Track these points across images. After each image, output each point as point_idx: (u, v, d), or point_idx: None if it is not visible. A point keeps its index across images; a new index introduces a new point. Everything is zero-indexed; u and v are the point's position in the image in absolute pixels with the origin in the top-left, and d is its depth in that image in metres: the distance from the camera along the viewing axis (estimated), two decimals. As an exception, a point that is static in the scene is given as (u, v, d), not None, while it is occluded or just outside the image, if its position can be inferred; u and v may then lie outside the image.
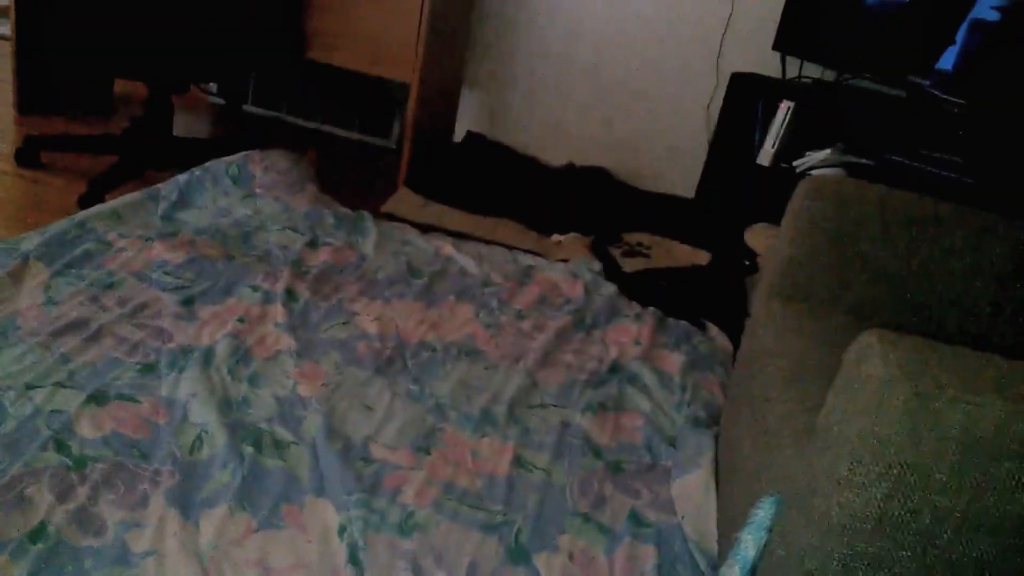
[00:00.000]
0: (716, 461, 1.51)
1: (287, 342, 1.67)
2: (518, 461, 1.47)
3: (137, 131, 2.49)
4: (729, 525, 1.24)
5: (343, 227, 2.25)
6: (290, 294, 1.85)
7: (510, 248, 2.37)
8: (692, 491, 1.45)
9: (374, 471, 1.37)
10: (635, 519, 1.38)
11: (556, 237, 2.53)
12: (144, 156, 2.44)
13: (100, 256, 1.83)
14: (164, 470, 1.28)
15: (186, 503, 1.23)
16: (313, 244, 2.12)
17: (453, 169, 2.89)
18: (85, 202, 2.15)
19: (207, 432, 1.37)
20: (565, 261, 2.35)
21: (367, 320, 1.83)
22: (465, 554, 1.24)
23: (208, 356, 1.57)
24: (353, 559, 1.18)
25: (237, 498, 1.25)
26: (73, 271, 1.75)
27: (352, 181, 2.82)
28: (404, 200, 2.59)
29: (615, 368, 1.82)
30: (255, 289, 1.84)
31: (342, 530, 1.23)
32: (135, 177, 2.33)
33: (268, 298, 1.82)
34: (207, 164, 2.34)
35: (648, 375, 1.81)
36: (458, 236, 2.39)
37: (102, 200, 2.13)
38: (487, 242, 2.38)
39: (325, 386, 1.56)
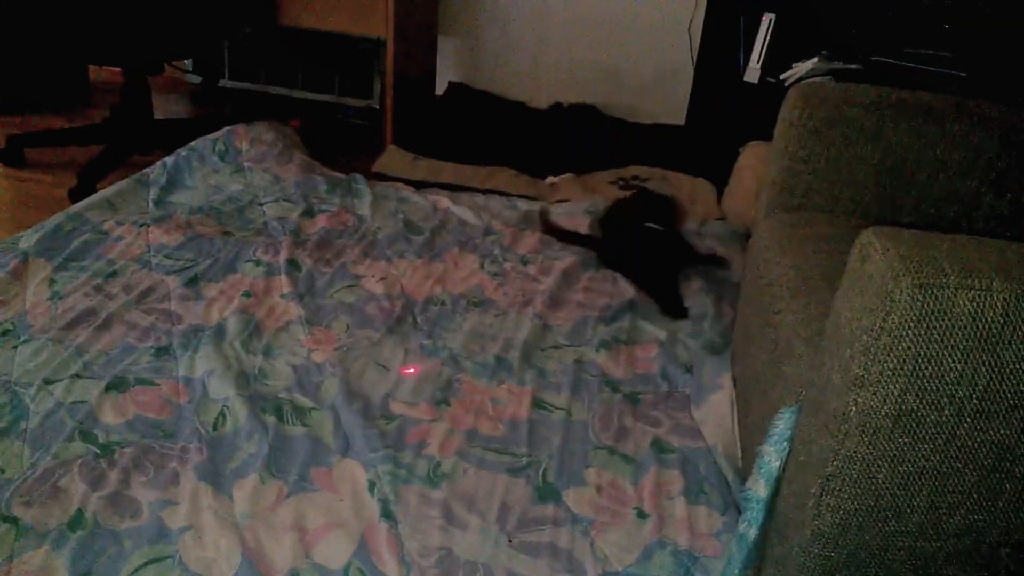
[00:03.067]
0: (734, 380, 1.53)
1: (296, 311, 1.68)
2: (537, 403, 1.48)
3: (118, 118, 2.47)
4: (750, 440, 1.26)
5: (337, 192, 2.24)
6: (292, 264, 1.85)
7: (507, 195, 2.36)
8: (715, 413, 1.47)
9: (396, 427, 1.39)
10: (658, 446, 1.40)
11: (551, 179, 2.52)
12: (128, 142, 2.42)
13: (99, 246, 1.83)
14: (191, 447, 1.30)
15: (217, 476, 1.25)
16: (309, 212, 2.11)
17: (439, 122, 2.86)
18: (76, 195, 2.15)
19: (228, 406, 1.39)
20: (563, 202, 2.34)
21: (372, 281, 1.83)
22: (495, 497, 1.26)
23: (220, 333, 1.58)
24: (386, 513, 1.21)
25: (266, 466, 1.27)
26: (74, 264, 1.76)
27: (339, 144, 2.80)
28: (394, 158, 2.57)
29: (627, 302, 1.83)
30: (257, 263, 1.85)
31: (372, 486, 1.25)
32: (122, 164, 2.32)
33: (271, 270, 1.82)
34: (192, 143, 2.33)
35: (657, 304, 1.82)
36: (453, 189, 2.38)
37: (93, 191, 2.12)
38: (483, 192, 2.37)
39: (338, 350, 1.58)
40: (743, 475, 1.30)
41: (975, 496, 0.88)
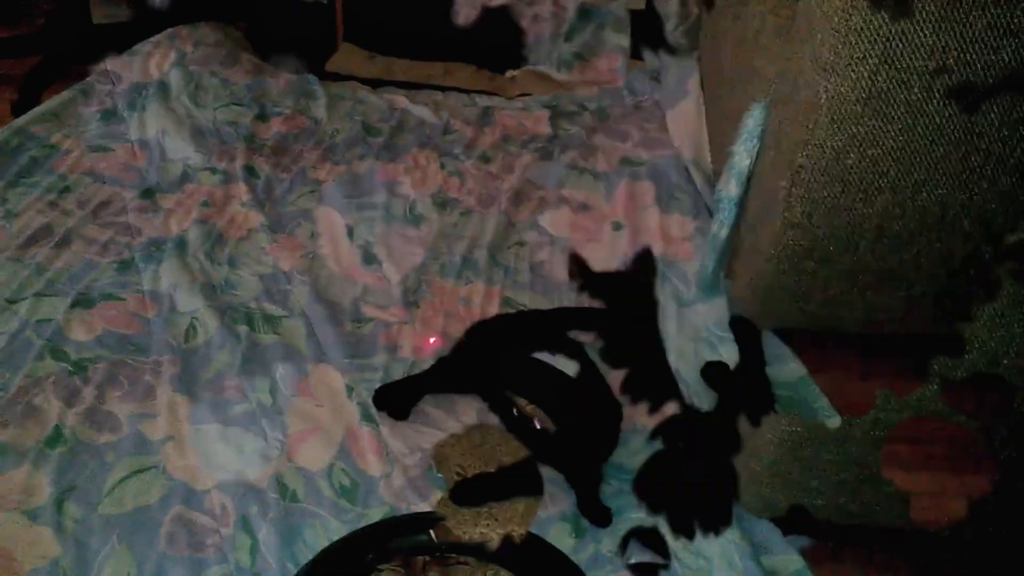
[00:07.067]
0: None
1: (257, 219, 1.65)
2: (507, 302, 1.49)
3: (55, 25, 2.36)
4: (721, 142, 1.22)
5: (290, 94, 2.17)
6: (250, 170, 1.81)
7: (466, 92, 2.30)
8: (683, 120, 1.43)
9: (369, 330, 1.40)
10: (627, 161, 1.38)
11: (511, 73, 2.46)
12: (68, 50, 2.31)
13: (48, 161, 1.78)
14: (164, 360, 1.30)
15: (192, 388, 1.26)
16: (262, 116, 2.05)
17: (393, 16, 2.75)
18: (19, 109, 2.06)
19: (198, 319, 1.38)
20: (524, 96, 2.29)
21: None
22: (471, 400, 1.27)
23: (181, 245, 1.56)
24: (367, 416, 1.23)
25: (241, 375, 1.28)
26: (24, 180, 1.70)
27: (288, 44, 2.68)
28: (347, 56, 2.49)
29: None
30: (213, 171, 1.80)
31: (350, 391, 1.27)
32: (63, 74, 2.22)
33: (228, 178, 1.78)
34: (134, 48, 2.23)
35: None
36: (410, 87, 2.31)
37: (37, 103, 2.03)
38: (441, 89, 2.31)
39: (304, 257, 1.56)
40: (713, 179, 1.28)
41: (940, 171, 0.88)
